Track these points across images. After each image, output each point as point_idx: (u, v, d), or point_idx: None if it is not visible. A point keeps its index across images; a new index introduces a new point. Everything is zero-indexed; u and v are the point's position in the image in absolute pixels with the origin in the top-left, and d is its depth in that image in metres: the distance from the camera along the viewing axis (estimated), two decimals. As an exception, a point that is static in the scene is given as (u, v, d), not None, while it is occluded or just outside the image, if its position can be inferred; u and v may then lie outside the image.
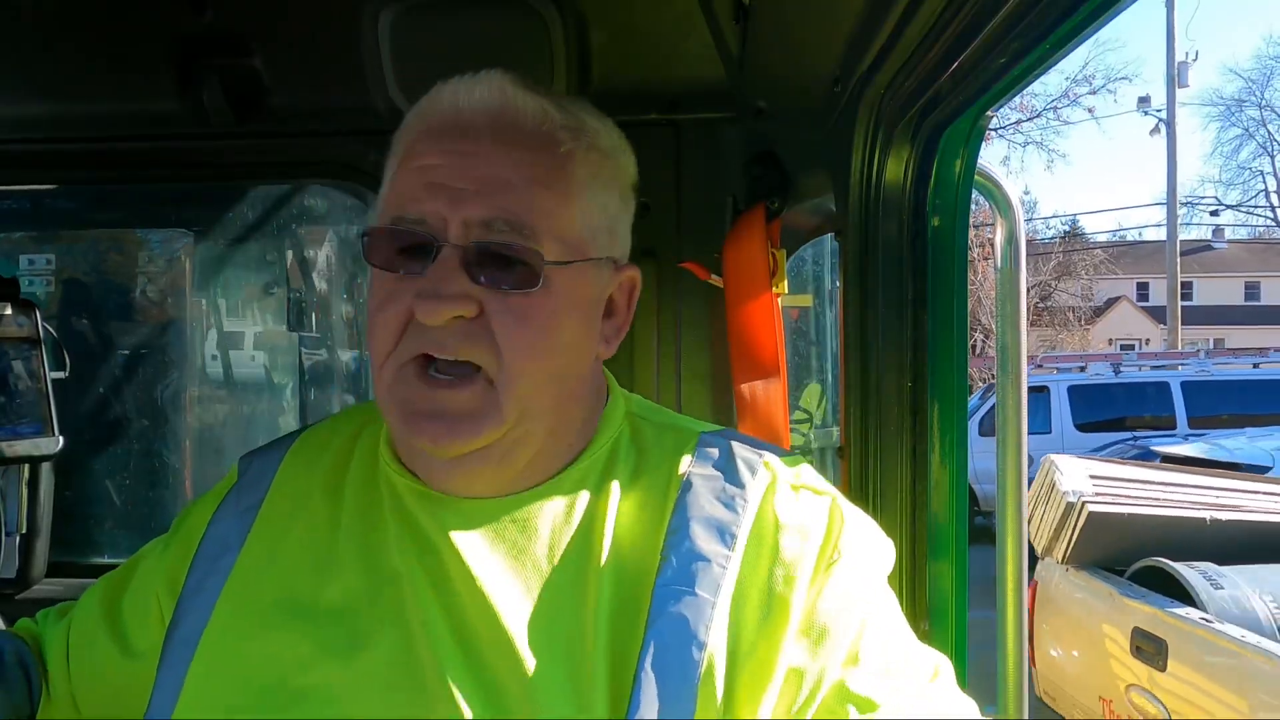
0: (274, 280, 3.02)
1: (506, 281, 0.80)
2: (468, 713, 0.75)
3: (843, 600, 0.81)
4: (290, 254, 2.98)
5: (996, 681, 1.32)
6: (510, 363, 0.80)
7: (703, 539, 0.82)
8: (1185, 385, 12.04)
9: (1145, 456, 7.49)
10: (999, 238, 1.38)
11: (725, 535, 0.82)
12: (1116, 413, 12.03)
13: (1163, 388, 12.14)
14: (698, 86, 1.43)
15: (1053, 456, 5.09)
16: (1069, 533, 4.51)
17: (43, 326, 1.55)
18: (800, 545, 0.83)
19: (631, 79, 1.43)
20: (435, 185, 0.81)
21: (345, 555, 0.84)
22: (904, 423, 1.22)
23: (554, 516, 0.84)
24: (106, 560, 2.19)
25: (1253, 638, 3.45)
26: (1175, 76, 23.03)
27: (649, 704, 0.75)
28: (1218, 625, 3.56)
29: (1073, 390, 12.15)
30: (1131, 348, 28.88)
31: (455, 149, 0.82)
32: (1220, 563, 4.03)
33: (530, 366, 0.81)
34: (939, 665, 0.82)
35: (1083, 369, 12.82)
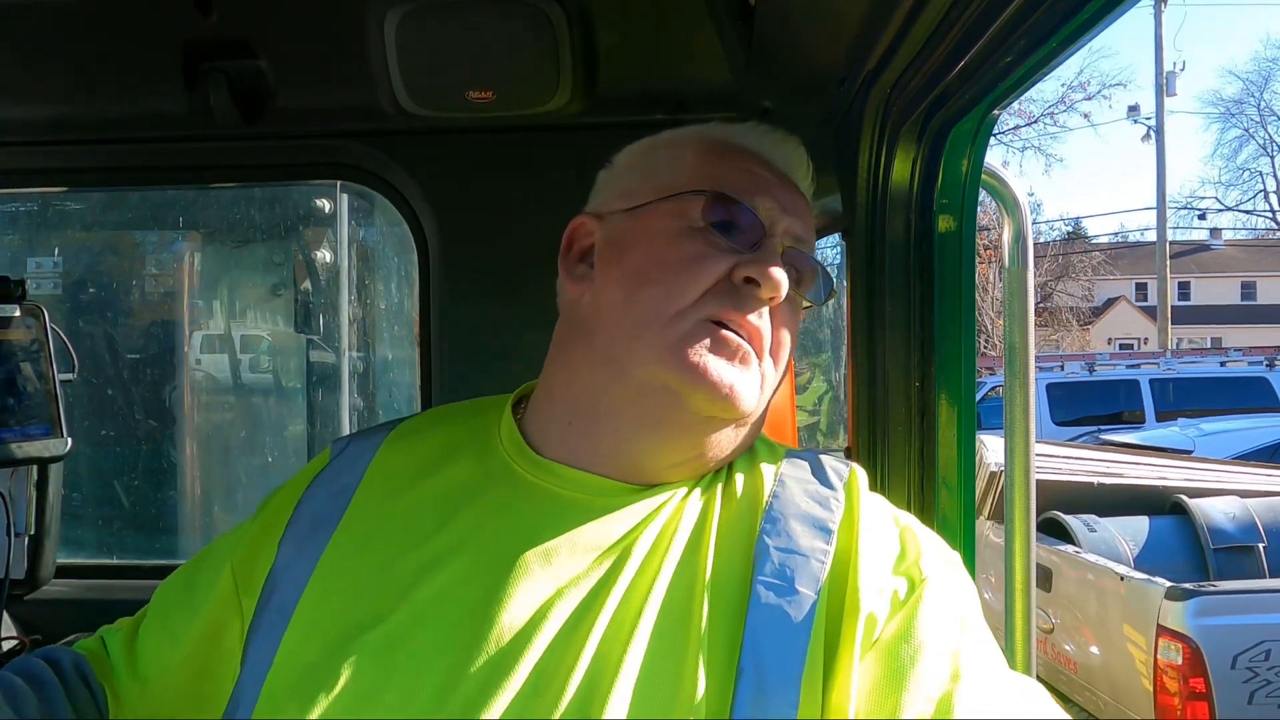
0: (281, 282, 3.02)
1: (804, 289, 0.92)
2: (566, 693, 0.76)
3: (939, 618, 0.80)
4: (297, 255, 2.99)
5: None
6: (777, 351, 0.89)
7: (801, 534, 0.83)
8: (1153, 382, 12.82)
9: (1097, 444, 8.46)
10: (1006, 236, 1.38)
11: (822, 531, 0.84)
12: (1090, 408, 12.65)
13: (1133, 385, 12.88)
14: (703, 87, 1.43)
15: (981, 436, 5.67)
16: (992, 495, 5.42)
17: (50, 328, 1.56)
18: (889, 554, 0.84)
19: (637, 80, 1.43)
20: (767, 190, 0.91)
21: (446, 547, 0.85)
22: (911, 423, 1.22)
23: (668, 521, 0.86)
24: (115, 561, 2.20)
25: (1103, 562, 4.74)
26: (1164, 85, 23.74)
27: (753, 702, 0.74)
28: (1085, 556, 4.91)
29: (1051, 387, 12.69)
30: (1130, 347, 29.21)
31: (776, 175, 0.94)
32: (1100, 515, 5.34)
33: (779, 359, 0.90)
34: (1029, 692, 0.81)
35: (1061, 368, 13.56)
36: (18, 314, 1.51)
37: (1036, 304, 26.53)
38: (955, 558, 0.88)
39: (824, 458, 0.93)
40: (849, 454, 1.33)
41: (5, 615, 1.73)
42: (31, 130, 1.57)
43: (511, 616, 0.79)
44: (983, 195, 1.28)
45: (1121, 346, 29.48)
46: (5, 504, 1.72)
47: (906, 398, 1.22)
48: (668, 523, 0.85)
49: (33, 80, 1.45)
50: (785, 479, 0.88)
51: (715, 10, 1.27)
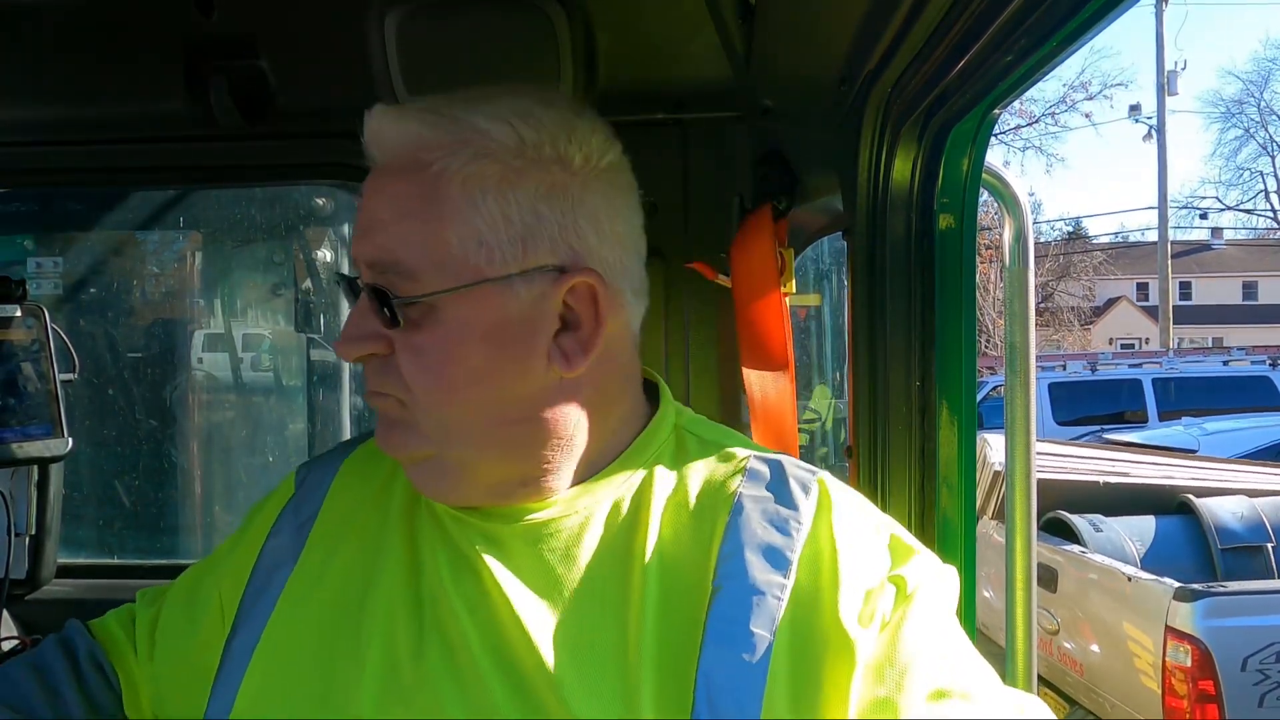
0: (281, 282, 3.02)
1: (398, 320, 0.77)
2: None
3: (926, 633, 0.76)
4: (298, 255, 2.99)
5: (1006, 674, 1.33)
6: (418, 397, 0.79)
7: (757, 568, 0.77)
8: (1156, 382, 12.61)
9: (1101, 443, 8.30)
10: (1006, 235, 1.38)
11: (779, 561, 0.77)
12: (1092, 408, 12.48)
13: (1135, 384, 12.67)
14: (704, 86, 1.42)
15: (984, 434, 5.40)
16: (995, 495, 5.31)
17: (51, 328, 1.56)
18: (864, 570, 0.78)
19: (638, 79, 1.43)
20: (359, 229, 0.81)
21: (390, 574, 0.83)
22: (912, 421, 1.22)
23: (588, 537, 0.81)
24: (116, 561, 2.20)
25: (1109, 562, 4.60)
26: (1165, 85, 23.49)
27: None
28: (1091, 556, 4.78)
29: (1054, 387, 12.54)
30: (1132, 346, 29.12)
31: (369, 190, 0.82)
32: (1106, 515, 5.20)
33: (436, 399, 0.78)
34: (1024, 705, 0.79)
35: (1063, 367, 13.38)
36: (18, 314, 1.51)
37: (1038, 304, 26.43)
38: (941, 568, 0.83)
39: (789, 468, 0.85)
40: (849, 454, 1.33)
41: (6, 615, 1.73)
42: (31, 130, 1.57)
43: (437, 664, 0.78)
44: (983, 195, 1.27)
45: (1123, 346, 29.42)
46: (6, 504, 1.72)
47: (907, 397, 1.22)
48: (591, 545, 0.81)
49: (33, 80, 1.45)
50: (743, 501, 0.81)
51: (715, 10, 1.27)
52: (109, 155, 1.65)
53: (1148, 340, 31.41)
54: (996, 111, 1.12)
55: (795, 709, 0.73)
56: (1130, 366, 13.42)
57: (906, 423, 1.22)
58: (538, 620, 0.77)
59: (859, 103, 1.19)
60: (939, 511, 1.21)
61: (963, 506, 1.22)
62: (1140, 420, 12.11)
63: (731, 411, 1.47)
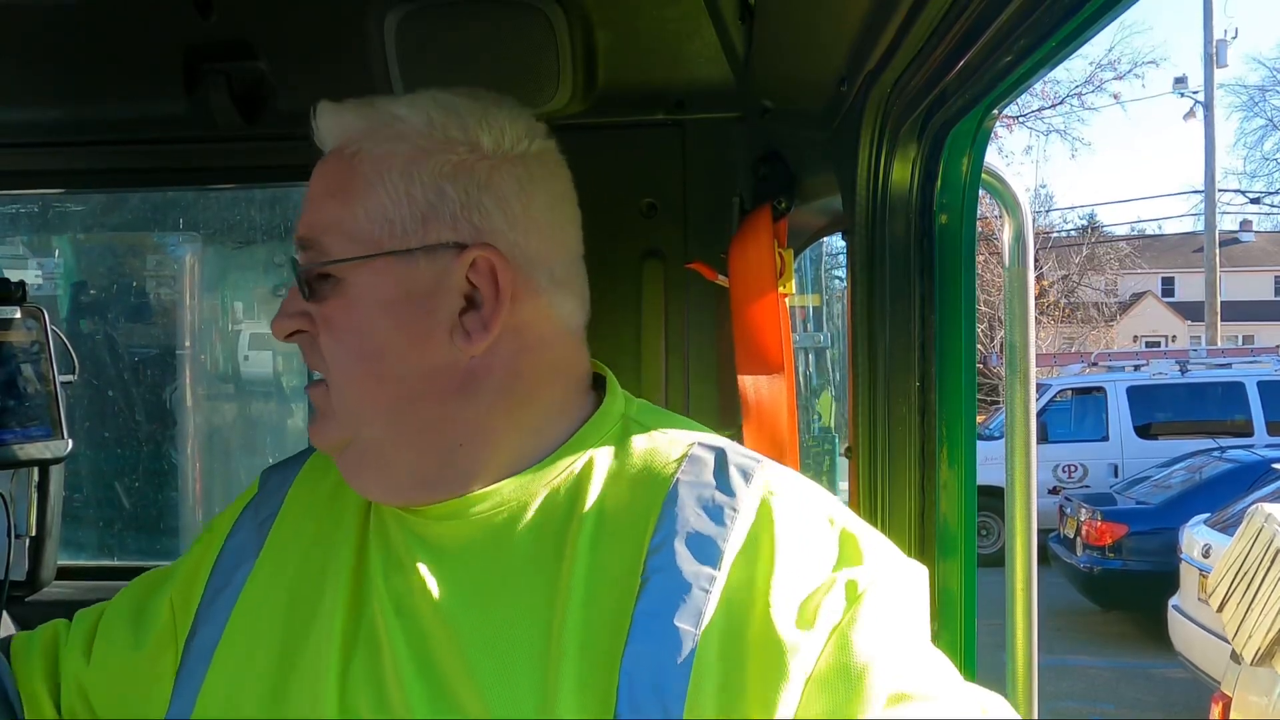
0: (282, 282, 3.03)
1: (309, 292, 0.82)
2: None
3: (879, 634, 0.71)
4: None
5: (1006, 687, 1.32)
6: (331, 371, 0.82)
7: (685, 559, 0.74)
8: (1263, 385, 10.84)
9: (1254, 473, 7.04)
10: (1006, 235, 1.38)
11: (710, 552, 0.74)
12: (1182, 416, 11.00)
13: (1236, 388, 10.97)
14: (703, 87, 1.42)
15: (1267, 508, 3.63)
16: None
17: (51, 330, 1.56)
18: (808, 565, 0.74)
19: (637, 79, 1.43)
20: None
21: (337, 574, 0.84)
22: (912, 423, 1.22)
23: (519, 530, 0.80)
24: (116, 563, 2.20)
25: None
26: (1214, 55, 21.00)
27: None
28: None
29: (1133, 391, 11.10)
30: (1158, 344, 28.14)
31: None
32: None
33: (347, 372, 0.82)
34: (986, 705, 0.75)
35: (1145, 365, 11.74)
36: (18, 315, 1.51)
37: (1061, 300, 25.90)
38: (899, 561, 0.79)
39: (731, 454, 0.81)
40: (849, 454, 1.32)
41: (6, 617, 1.73)
42: (30, 132, 1.57)
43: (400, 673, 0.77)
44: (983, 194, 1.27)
45: (1148, 344, 28.59)
46: (6, 506, 1.72)
47: (906, 398, 1.22)
48: (522, 538, 0.80)
49: (31, 82, 1.46)
50: (679, 488, 0.78)
51: (715, 10, 1.27)
52: (107, 157, 1.65)
53: (1174, 338, 30.89)
54: (996, 112, 1.12)
55: (723, 711, 0.69)
56: (1219, 367, 11.48)
57: (906, 423, 1.22)
58: (461, 618, 0.77)
59: (858, 104, 1.19)
60: (939, 512, 1.21)
61: (963, 507, 1.22)
62: (1243, 431, 10.64)
63: (731, 412, 1.47)
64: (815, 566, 0.74)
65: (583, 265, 0.91)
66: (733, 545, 0.74)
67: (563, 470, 0.82)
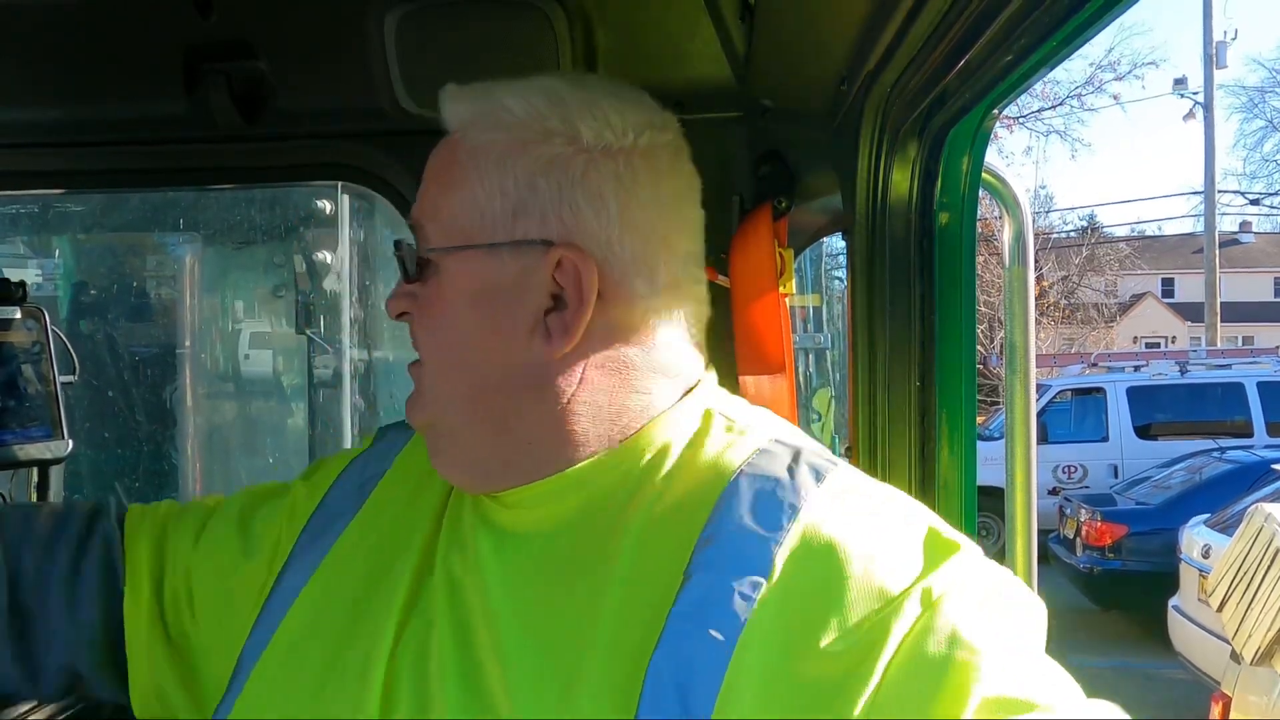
0: (282, 283, 3.03)
1: (414, 278, 0.82)
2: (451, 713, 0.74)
3: (969, 637, 0.63)
4: (298, 256, 2.99)
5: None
6: (422, 354, 0.83)
7: (731, 559, 0.69)
8: (1263, 386, 10.76)
9: (1254, 474, 6.98)
10: (1006, 235, 1.38)
11: (758, 555, 0.69)
12: (1181, 417, 10.89)
13: (1236, 389, 10.89)
14: (704, 86, 1.42)
15: (1267, 507, 3.63)
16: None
17: (51, 330, 1.56)
18: (877, 576, 0.67)
19: (637, 79, 1.42)
20: None
21: (412, 543, 0.85)
22: (912, 423, 1.22)
23: (575, 519, 0.79)
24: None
25: None
26: (1214, 56, 20.88)
27: None
28: None
29: (1133, 392, 11.02)
30: (1157, 345, 28.07)
31: None
32: None
33: (433, 357, 0.82)
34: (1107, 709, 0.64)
35: (1144, 366, 11.66)
36: (18, 316, 1.51)
37: (1060, 301, 25.83)
38: (981, 565, 0.71)
39: (808, 451, 0.78)
40: (849, 454, 1.32)
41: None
42: (30, 133, 1.57)
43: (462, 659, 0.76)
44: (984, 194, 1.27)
45: (1148, 345, 28.52)
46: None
47: (906, 398, 1.22)
48: (579, 530, 0.78)
49: (31, 82, 1.46)
50: (740, 481, 0.74)
51: (715, 10, 1.27)
52: (107, 157, 1.65)
53: (1174, 339, 30.82)
54: (996, 112, 1.12)
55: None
56: (1219, 368, 11.35)
57: (906, 423, 1.22)
58: (503, 603, 0.76)
59: (858, 103, 1.19)
60: (939, 512, 1.21)
61: (963, 507, 1.22)
62: (1242, 432, 10.54)
63: None
64: (886, 578, 0.67)
65: (697, 267, 0.86)
66: (785, 548, 0.69)
67: (632, 460, 0.79)
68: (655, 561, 0.72)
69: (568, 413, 0.79)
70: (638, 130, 0.81)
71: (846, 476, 0.76)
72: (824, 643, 0.64)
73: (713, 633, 0.66)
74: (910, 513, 0.74)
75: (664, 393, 0.83)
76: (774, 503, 0.72)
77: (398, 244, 0.82)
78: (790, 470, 0.74)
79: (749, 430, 0.81)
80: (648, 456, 0.79)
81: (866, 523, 0.71)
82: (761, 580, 0.68)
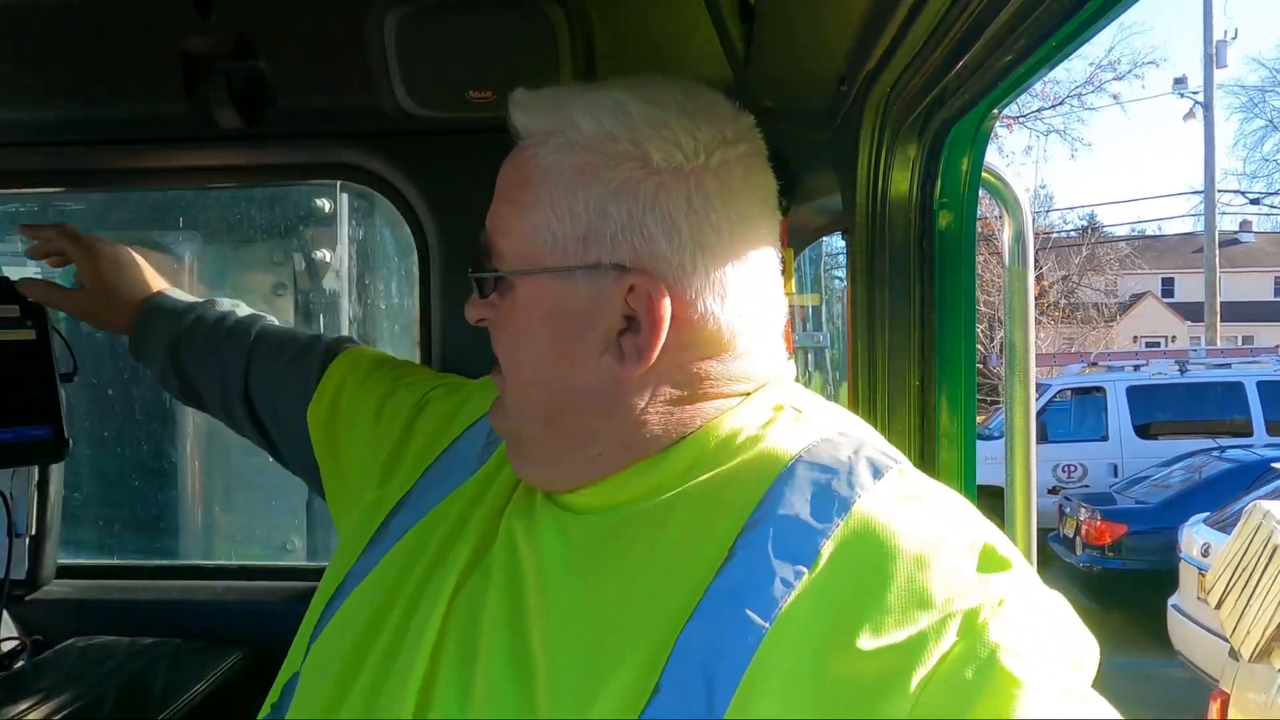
0: (282, 282, 3.02)
1: (488, 293, 0.85)
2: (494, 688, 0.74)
3: (1012, 662, 0.60)
4: (298, 255, 2.98)
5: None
6: (501, 365, 0.85)
7: (776, 543, 0.68)
8: (1262, 385, 10.72)
9: (1253, 473, 6.98)
10: (1006, 235, 1.38)
11: (804, 543, 0.67)
12: (1181, 416, 10.86)
13: (1235, 388, 10.84)
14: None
15: (1265, 504, 3.59)
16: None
17: (51, 328, 1.56)
18: (926, 584, 0.64)
19: None
20: None
21: (489, 507, 0.89)
22: (912, 423, 1.22)
23: (634, 501, 0.79)
24: (115, 562, 2.19)
25: None
26: (1214, 55, 20.76)
27: None
28: None
29: (1133, 391, 10.99)
30: (1157, 345, 28.01)
31: None
32: None
33: (509, 370, 0.84)
34: None
35: (1144, 365, 11.60)
36: (18, 315, 1.51)
37: (1060, 301, 25.78)
38: (1033, 588, 0.67)
39: (870, 445, 0.77)
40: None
41: (5, 615, 1.73)
42: (30, 132, 1.58)
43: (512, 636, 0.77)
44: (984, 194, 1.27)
45: (1148, 344, 28.43)
46: (6, 505, 1.72)
47: (906, 397, 1.22)
48: (636, 524, 0.78)
49: (31, 82, 1.46)
50: (797, 467, 0.73)
51: (715, 10, 1.27)
52: (107, 157, 1.65)
53: (1174, 338, 30.76)
54: (996, 112, 1.12)
55: (787, 713, 0.63)
56: (1218, 367, 11.27)
57: (906, 422, 1.22)
58: (553, 578, 0.77)
59: (858, 103, 1.19)
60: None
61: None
62: (1242, 431, 10.50)
63: None
64: (931, 587, 0.64)
65: (774, 273, 0.85)
66: (833, 541, 0.68)
67: (700, 447, 0.79)
68: (704, 536, 0.71)
69: (640, 423, 0.79)
70: (709, 150, 0.79)
71: (907, 476, 0.74)
72: (859, 642, 0.63)
73: (749, 613, 0.65)
74: (966, 523, 0.71)
75: (740, 394, 0.82)
76: (828, 494, 0.71)
77: (472, 263, 0.85)
78: (850, 462, 0.73)
79: (815, 420, 0.80)
80: (714, 443, 0.79)
81: (919, 526, 0.68)
82: (805, 569, 0.66)
